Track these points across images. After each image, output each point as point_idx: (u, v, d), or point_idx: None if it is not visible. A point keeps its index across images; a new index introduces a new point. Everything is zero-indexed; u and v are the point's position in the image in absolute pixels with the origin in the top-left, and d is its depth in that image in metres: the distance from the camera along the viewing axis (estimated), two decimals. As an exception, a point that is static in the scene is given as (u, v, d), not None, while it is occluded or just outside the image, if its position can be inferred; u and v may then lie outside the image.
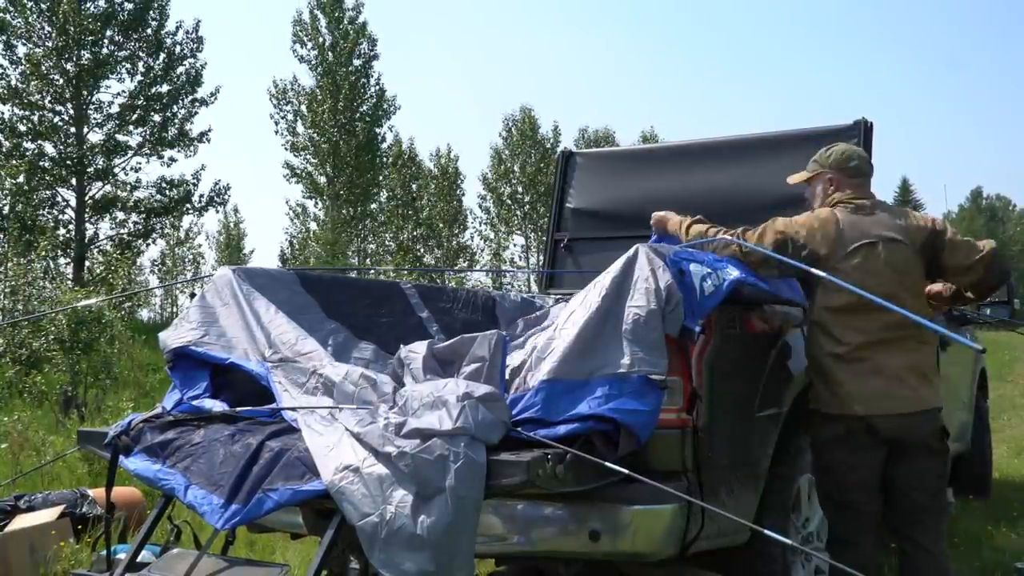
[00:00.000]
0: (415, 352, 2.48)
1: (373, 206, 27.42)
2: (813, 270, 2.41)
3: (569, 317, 2.27)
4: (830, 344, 2.50)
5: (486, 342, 2.31)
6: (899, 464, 2.52)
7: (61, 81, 17.88)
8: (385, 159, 26.84)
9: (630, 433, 2.08)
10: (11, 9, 17.51)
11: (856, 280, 2.38)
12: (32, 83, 17.63)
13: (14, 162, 17.04)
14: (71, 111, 18.12)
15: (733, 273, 2.38)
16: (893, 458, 2.52)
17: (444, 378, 2.35)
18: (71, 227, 18.49)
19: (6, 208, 17.19)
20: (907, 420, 2.47)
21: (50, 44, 17.66)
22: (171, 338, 2.68)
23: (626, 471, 1.98)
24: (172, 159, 19.19)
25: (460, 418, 1.99)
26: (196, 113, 19.35)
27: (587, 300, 2.25)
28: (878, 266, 2.49)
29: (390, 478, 1.94)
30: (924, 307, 2.62)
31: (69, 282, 15.58)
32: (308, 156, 24.85)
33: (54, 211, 18.45)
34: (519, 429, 2.09)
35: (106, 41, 18.17)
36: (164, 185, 19.31)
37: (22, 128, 17.72)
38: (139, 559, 2.34)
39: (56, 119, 18.05)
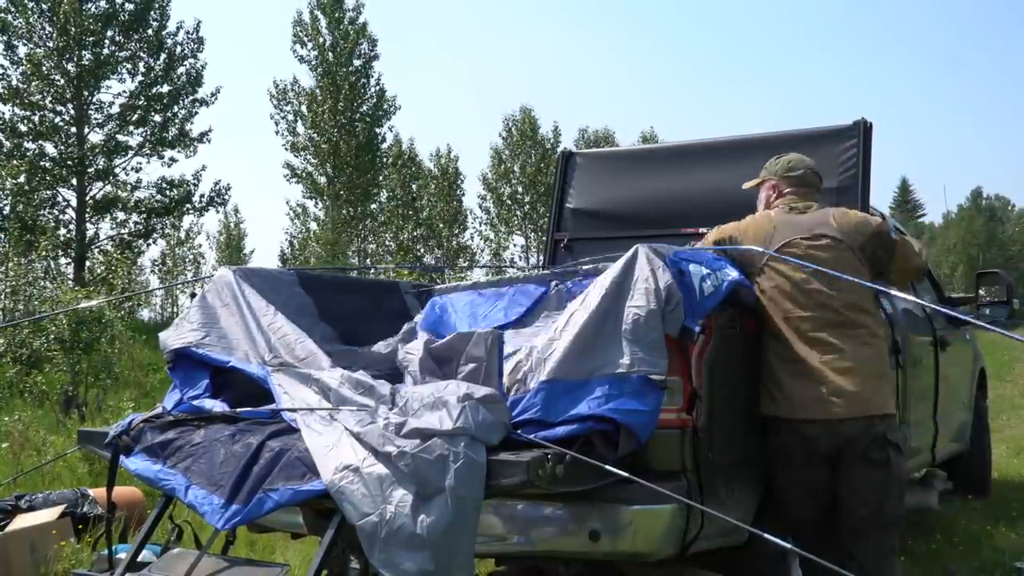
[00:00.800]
0: (412, 352, 2.48)
1: (373, 206, 27.43)
2: (760, 249, 2.49)
3: (570, 318, 2.28)
4: (773, 343, 2.48)
5: (482, 341, 2.31)
6: (840, 476, 2.43)
7: (62, 81, 17.90)
8: (385, 159, 26.84)
9: (630, 433, 2.08)
10: (12, 9, 17.53)
11: (783, 277, 2.45)
12: (33, 83, 17.63)
13: (15, 162, 17.06)
14: (72, 111, 18.13)
15: (732, 274, 2.39)
16: (835, 470, 2.43)
17: (441, 377, 2.36)
18: (72, 227, 18.51)
19: (7, 208, 17.21)
20: (840, 427, 2.36)
21: (51, 44, 17.67)
22: (171, 338, 2.68)
23: (624, 473, 1.99)
24: (172, 159, 19.23)
25: (460, 418, 1.99)
26: (196, 113, 19.39)
27: (587, 300, 2.25)
28: (807, 262, 2.47)
29: (390, 478, 1.94)
30: (866, 302, 2.52)
31: (70, 282, 15.59)
32: (308, 156, 24.86)
33: (55, 211, 18.47)
34: (519, 431, 2.09)
35: (107, 41, 18.18)
36: (164, 185, 19.33)
37: (23, 128, 17.74)
38: (140, 559, 2.34)
39: (57, 119, 18.07)
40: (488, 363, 2.27)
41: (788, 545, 2.19)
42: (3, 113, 17.60)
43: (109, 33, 18.16)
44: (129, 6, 18.39)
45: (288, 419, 2.29)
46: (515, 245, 33.12)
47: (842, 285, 2.42)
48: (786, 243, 2.53)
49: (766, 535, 2.04)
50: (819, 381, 2.38)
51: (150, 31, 18.76)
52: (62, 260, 18.14)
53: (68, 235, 18.36)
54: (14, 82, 17.55)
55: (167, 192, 19.34)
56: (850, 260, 2.49)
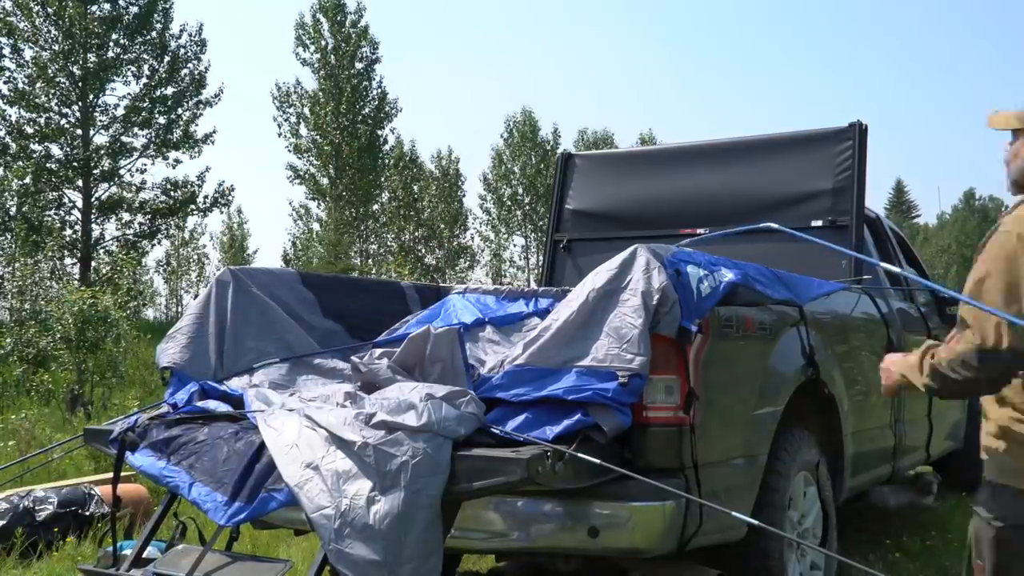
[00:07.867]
0: (375, 367, 2.48)
1: (375, 207, 27.48)
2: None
3: (560, 310, 2.30)
4: None
5: (443, 342, 2.32)
6: None
7: (67, 84, 17.98)
8: (387, 161, 26.89)
9: (598, 427, 2.10)
10: (18, 13, 17.62)
11: None
12: (39, 86, 17.73)
13: (21, 163, 17.15)
14: (77, 113, 18.21)
15: (729, 274, 2.42)
16: None
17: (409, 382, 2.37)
18: (77, 228, 18.58)
19: (13, 209, 17.29)
20: None
21: (56, 47, 17.75)
22: (162, 356, 2.73)
23: (622, 470, 2.01)
24: (177, 161, 19.30)
25: (425, 415, 2.03)
26: (200, 115, 19.47)
27: (580, 295, 2.28)
28: None
29: (348, 473, 1.97)
30: None
31: (75, 282, 15.66)
32: (311, 158, 24.91)
33: (61, 212, 18.57)
34: (511, 432, 2.11)
35: (111, 44, 18.27)
36: (169, 186, 19.41)
37: (29, 130, 17.83)
38: (145, 555, 2.37)
39: (62, 121, 18.16)
40: (452, 361, 2.29)
41: (788, 535, 2.20)
42: (9, 115, 17.71)
43: (113, 36, 18.24)
44: (133, 9, 18.47)
45: (251, 419, 2.31)
46: (515, 246, 33.19)
47: None
48: None
49: (767, 527, 2.05)
50: None
51: (154, 34, 18.84)
52: (68, 260, 18.22)
53: (74, 236, 18.44)
54: (20, 84, 17.65)
55: (171, 193, 19.42)
56: None
